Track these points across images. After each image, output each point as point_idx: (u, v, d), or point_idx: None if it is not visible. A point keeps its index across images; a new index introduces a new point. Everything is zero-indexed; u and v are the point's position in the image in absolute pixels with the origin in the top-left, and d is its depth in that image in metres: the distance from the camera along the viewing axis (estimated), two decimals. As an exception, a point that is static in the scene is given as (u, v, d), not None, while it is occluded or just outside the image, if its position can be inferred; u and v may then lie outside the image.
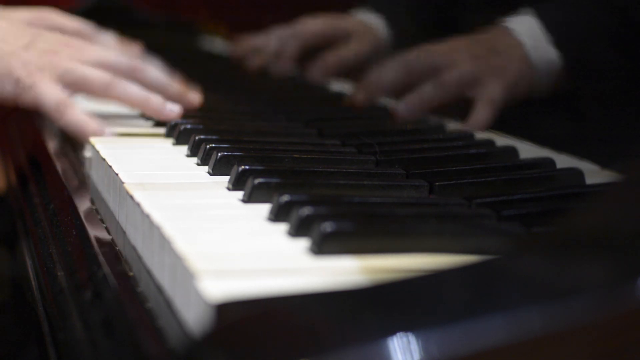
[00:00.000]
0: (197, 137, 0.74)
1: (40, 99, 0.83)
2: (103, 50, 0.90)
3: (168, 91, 0.90)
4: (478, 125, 0.88)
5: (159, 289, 0.50)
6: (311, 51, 1.25)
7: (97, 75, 0.86)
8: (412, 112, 0.93)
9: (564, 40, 0.87)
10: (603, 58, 0.88)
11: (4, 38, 0.85)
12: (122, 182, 0.62)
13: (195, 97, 0.92)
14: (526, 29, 0.89)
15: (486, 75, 0.89)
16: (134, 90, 0.87)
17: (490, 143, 0.79)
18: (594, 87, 0.88)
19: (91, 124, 0.83)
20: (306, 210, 0.51)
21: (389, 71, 0.96)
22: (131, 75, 0.88)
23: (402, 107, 0.94)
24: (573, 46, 0.87)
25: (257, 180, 0.59)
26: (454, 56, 0.91)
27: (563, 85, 0.88)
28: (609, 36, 0.87)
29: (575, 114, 0.91)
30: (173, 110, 0.86)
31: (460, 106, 0.93)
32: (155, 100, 0.87)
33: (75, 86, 0.86)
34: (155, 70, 0.91)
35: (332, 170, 0.66)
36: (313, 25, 1.27)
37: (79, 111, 0.84)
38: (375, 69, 0.98)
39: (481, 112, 0.88)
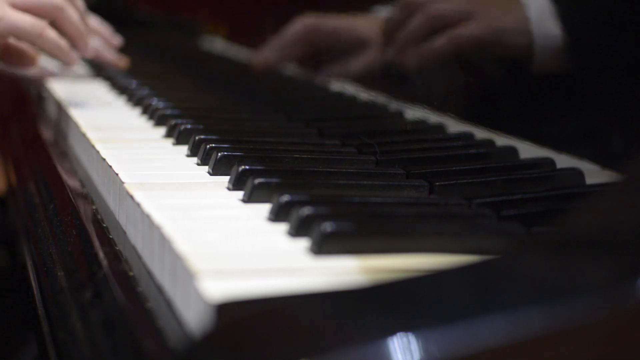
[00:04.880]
0: (197, 137, 0.74)
1: (15, 24, 0.93)
2: None
3: (81, 38, 1.01)
4: (430, 48, 0.90)
5: (159, 289, 0.50)
6: (321, 52, 1.25)
7: (27, 21, 0.94)
8: (400, 54, 0.95)
9: (567, 13, 0.86)
10: (605, 42, 0.87)
11: None
12: (122, 182, 0.62)
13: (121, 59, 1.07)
14: (537, 3, 0.88)
15: (469, 17, 0.90)
16: (51, 36, 0.96)
17: (490, 143, 0.79)
18: (592, 71, 0.87)
19: (66, 46, 0.97)
20: (306, 210, 0.51)
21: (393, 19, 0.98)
22: (55, 15, 0.98)
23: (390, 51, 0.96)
24: (576, 22, 0.87)
25: (257, 180, 0.59)
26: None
27: (564, 64, 0.88)
28: (614, 21, 0.87)
29: (575, 114, 0.91)
30: (75, 58, 0.99)
31: (459, 104, 0.93)
32: (64, 46, 0.97)
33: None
34: (76, 15, 1.01)
35: (332, 170, 0.66)
36: (324, 25, 1.27)
37: (53, 31, 0.96)
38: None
39: (440, 39, 0.90)
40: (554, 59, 0.88)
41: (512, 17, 0.88)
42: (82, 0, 1.05)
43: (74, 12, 1.00)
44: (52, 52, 0.98)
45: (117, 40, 1.19)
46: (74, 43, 1.00)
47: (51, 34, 0.96)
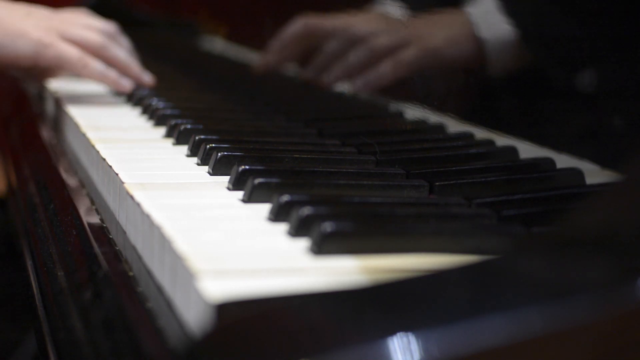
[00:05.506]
0: (197, 137, 0.74)
1: (63, 54, 0.97)
2: (83, 29, 1.03)
3: (129, 69, 1.04)
4: (377, 77, 0.93)
5: (159, 289, 0.50)
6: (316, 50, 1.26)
7: (73, 53, 0.99)
8: (336, 80, 0.99)
9: (514, 6, 0.87)
10: (558, 27, 0.86)
11: (5, 13, 0.98)
12: (122, 182, 0.62)
13: (149, 78, 1.06)
14: (482, 10, 0.89)
15: (408, 42, 0.92)
16: (97, 67, 1.00)
17: (490, 143, 0.79)
18: (554, 60, 0.86)
19: (112, 73, 1.01)
20: (306, 210, 0.51)
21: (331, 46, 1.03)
22: (100, 53, 1.02)
23: (329, 77, 1.00)
24: (524, 14, 0.87)
25: (257, 180, 0.59)
26: (385, 27, 0.97)
27: (525, 60, 0.88)
28: (562, 5, 0.86)
29: (574, 114, 0.91)
30: (126, 84, 1.02)
31: (459, 104, 0.93)
32: (112, 75, 1.01)
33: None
34: (121, 51, 1.05)
35: (332, 170, 0.66)
36: (319, 25, 1.27)
37: (98, 63, 1.00)
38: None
39: (383, 66, 0.93)
40: (512, 56, 0.88)
41: (453, 30, 0.90)
42: (126, 40, 1.10)
43: (118, 49, 1.04)
44: (100, 81, 1.02)
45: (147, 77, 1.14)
46: (123, 73, 1.03)
47: (96, 65, 1.00)
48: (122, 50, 1.05)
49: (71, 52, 0.98)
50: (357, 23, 1.02)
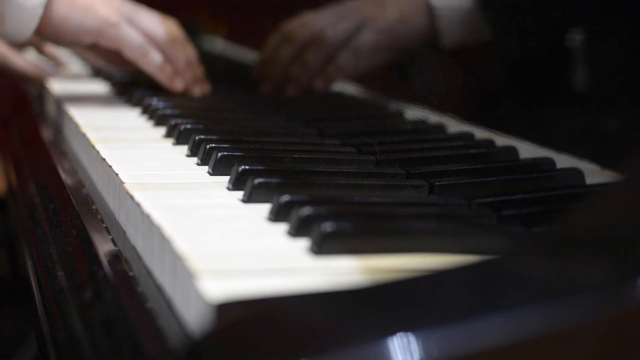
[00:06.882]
0: (197, 137, 0.74)
1: (125, 36, 0.97)
2: (152, 21, 1.01)
3: (183, 75, 1.03)
4: (338, 69, 0.93)
5: (159, 289, 0.50)
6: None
7: (136, 39, 0.98)
8: (301, 87, 1.01)
9: None
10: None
11: None
12: (122, 182, 0.62)
13: (199, 90, 1.05)
14: None
15: (361, 26, 0.92)
16: (155, 59, 1.00)
17: (490, 143, 0.79)
18: (513, 30, 0.84)
19: (168, 69, 1.01)
20: (306, 210, 0.51)
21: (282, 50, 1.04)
22: (162, 49, 1.01)
23: (293, 88, 1.02)
24: None
25: (257, 180, 0.59)
26: (335, 18, 0.97)
27: (482, 32, 0.86)
28: None
29: (575, 114, 0.91)
30: (179, 85, 1.02)
31: (459, 104, 0.93)
32: (167, 72, 1.01)
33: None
34: (182, 56, 1.03)
35: (332, 170, 0.66)
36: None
37: (158, 55, 1.00)
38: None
39: (341, 58, 0.92)
40: (467, 27, 0.87)
41: (404, 4, 0.90)
42: (193, 49, 1.06)
43: (180, 53, 1.02)
44: (154, 74, 1.01)
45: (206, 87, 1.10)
46: (178, 73, 1.03)
47: (156, 57, 1.00)
48: (183, 55, 1.03)
49: (134, 37, 0.97)
50: (306, 22, 1.02)
